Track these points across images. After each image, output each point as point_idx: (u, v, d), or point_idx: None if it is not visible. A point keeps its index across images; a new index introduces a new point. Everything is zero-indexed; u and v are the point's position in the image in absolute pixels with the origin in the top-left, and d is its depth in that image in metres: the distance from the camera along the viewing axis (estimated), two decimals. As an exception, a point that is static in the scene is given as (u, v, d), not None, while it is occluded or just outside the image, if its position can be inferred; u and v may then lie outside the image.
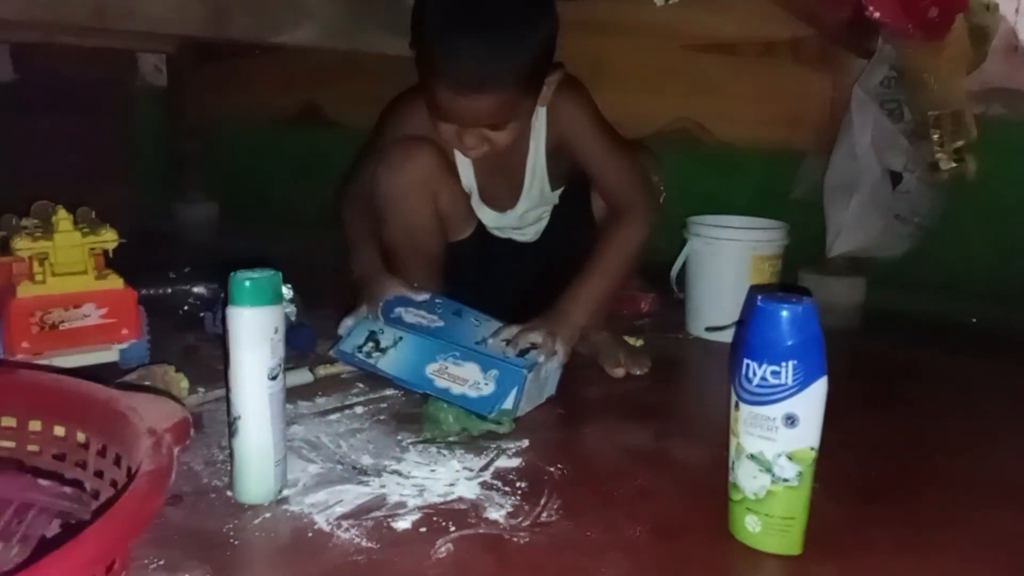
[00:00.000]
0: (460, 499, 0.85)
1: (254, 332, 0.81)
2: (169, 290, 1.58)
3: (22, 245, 1.10)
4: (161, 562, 0.71)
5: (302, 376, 1.17)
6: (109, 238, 1.14)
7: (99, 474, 0.71)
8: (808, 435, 0.75)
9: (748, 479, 0.77)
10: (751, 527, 0.77)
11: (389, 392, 1.15)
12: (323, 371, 1.19)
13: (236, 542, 0.76)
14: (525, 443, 1.00)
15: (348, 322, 1.20)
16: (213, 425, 1.01)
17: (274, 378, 0.82)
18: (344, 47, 1.75)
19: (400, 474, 0.91)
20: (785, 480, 0.75)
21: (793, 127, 1.74)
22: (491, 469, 0.93)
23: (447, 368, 1.09)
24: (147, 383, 1.05)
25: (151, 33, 1.67)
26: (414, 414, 1.07)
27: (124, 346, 1.17)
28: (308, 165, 2.28)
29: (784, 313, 0.74)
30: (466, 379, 1.07)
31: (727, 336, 1.33)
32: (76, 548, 0.48)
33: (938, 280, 1.69)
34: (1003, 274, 1.68)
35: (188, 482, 0.87)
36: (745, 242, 1.45)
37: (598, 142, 1.26)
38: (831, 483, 0.86)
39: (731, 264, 1.44)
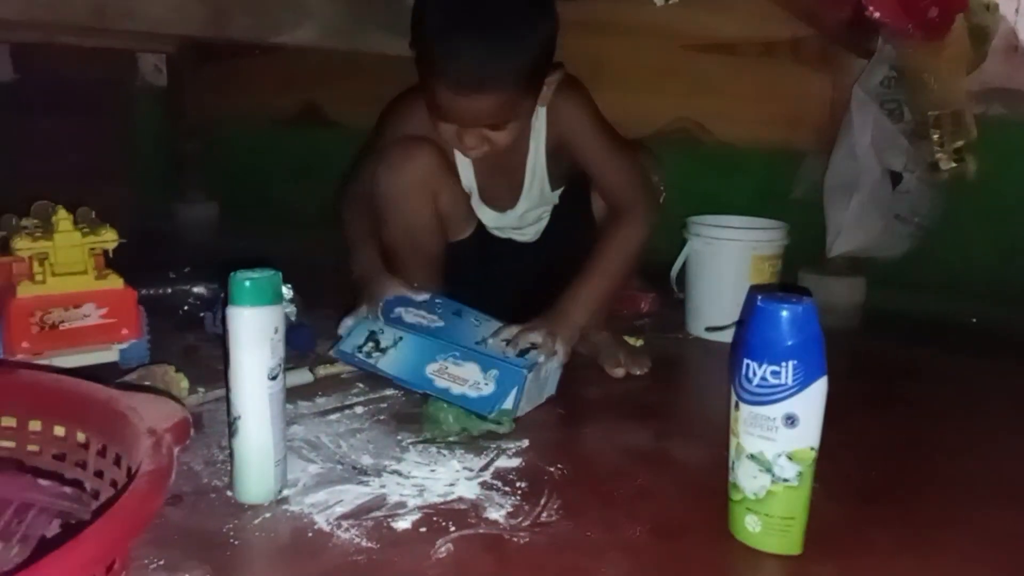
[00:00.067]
0: (460, 499, 0.85)
1: (254, 332, 0.81)
2: (169, 290, 1.58)
3: (22, 245, 1.10)
4: (161, 562, 0.72)
5: (302, 376, 1.17)
6: (109, 238, 1.14)
7: (99, 474, 0.71)
8: (808, 435, 0.75)
9: (748, 479, 0.77)
10: (751, 527, 0.77)
11: (389, 392, 1.15)
12: (323, 371, 1.19)
13: (236, 542, 0.76)
14: (525, 443, 1.00)
15: (348, 322, 1.20)
16: (213, 425, 1.01)
17: (274, 378, 0.82)
18: (344, 47, 1.75)
19: (400, 474, 0.91)
20: (785, 480, 0.75)
21: (793, 127, 1.74)
22: (491, 469, 0.93)
23: (447, 368, 1.09)
24: (147, 383, 1.05)
25: (151, 33, 1.67)
26: (414, 414, 1.07)
27: (124, 346, 1.17)
28: (308, 165, 2.29)
29: (784, 313, 0.74)
30: (466, 379, 1.07)
31: (727, 336, 1.33)
32: (76, 548, 0.48)
33: (938, 280, 1.69)
34: (1003, 274, 1.68)
35: (188, 482, 0.87)
36: (745, 242, 1.45)
37: (598, 142, 1.26)
38: (831, 483, 0.87)
39: (731, 264, 1.44)
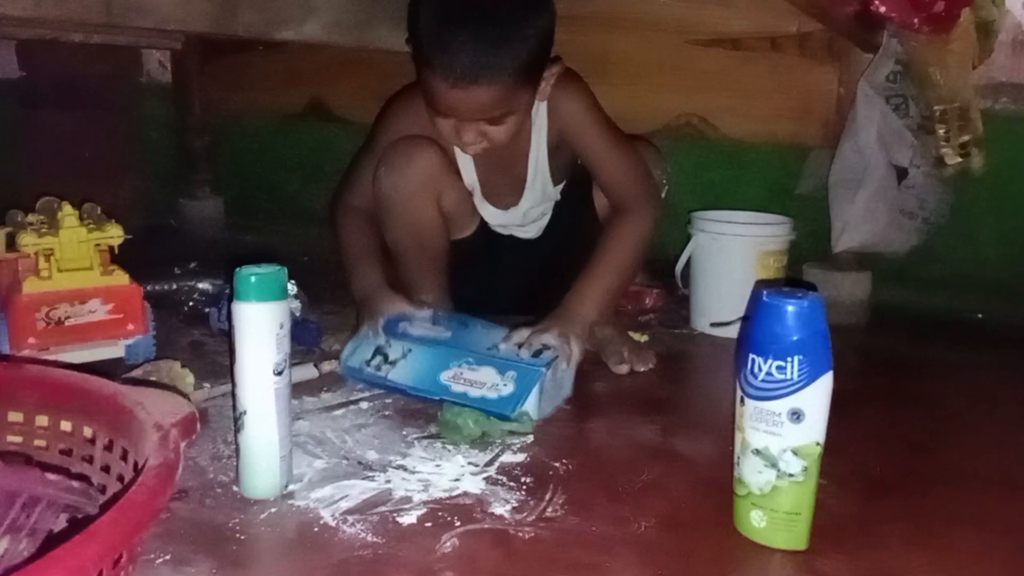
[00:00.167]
0: (465, 494, 0.85)
1: (259, 328, 0.81)
2: (175, 286, 1.59)
3: (28, 241, 1.10)
4: (167, 556, 0.72)
5: (307, 372, 1.17)
6: (115, 234, 1.15)
7: (106, 469, 0.71)
8: (813, 430, 0.75)
9: (753, 474, 0.77)
10: (756, 522, 0.77)
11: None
12: (328, 367, 1.19)
13: (242, 537, 0.76)
14: (530, 438, 1.00)
15: (350, 345, 1.18)
16: (219, 420, 1.02)
17: (279, 373, 0.82)
18: (350, 43, 1.75)
19: (405, 469, 0.91)
20: (790, 475, 0.75)
21: (799, 122, 1.74)
22: (496, 464, 0.93)
23: (462, 373, 1.08)
24: (153, 378, 1.05)
25: (158, 29, 1.67)
26: (419, 410, 1.07)
27: (130, 342, 1.17)
28: (314, 161, 2.29)
29: (789, 308, 0.74)
30: (484, 382, 1.06)
31: (732, 331, 1.33)
32: (84, 543, 0.48)
33: (944, 275, 1.69)
34: (1010, 270, 1.67)
35: (194, 477, 0.87)
36: (750, 237, 1.45)
37: (598, 136, 1.26)
38: (837, 478, 0.87)
39: (737, 259, 1.44)
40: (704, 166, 1.86)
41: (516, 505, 0.83)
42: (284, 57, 2.21)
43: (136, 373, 1.07)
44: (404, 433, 1.00)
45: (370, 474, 0.89)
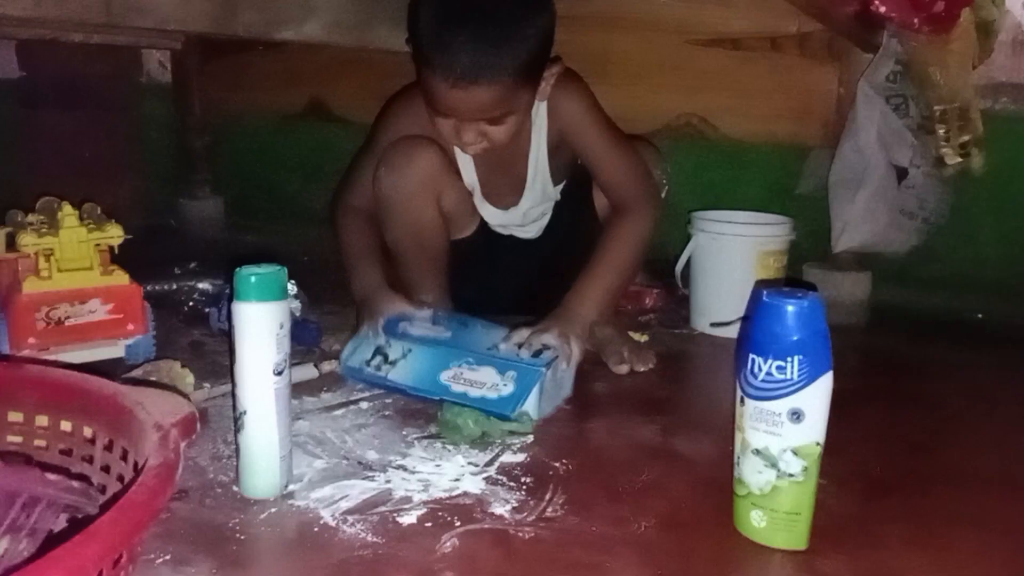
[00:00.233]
0: (465, 494, 0.85)
1: (259, 328, 0.81)
2: (175, 286, 1.58)
3: (28, 241, 1.10)
4: (167, 556, 0.72)
5: (307, 372, 1.17)
6: (114, 234, 1.15)
7: (106, 469, 0.71)
8: (813, 430, 0.75)
9: (753, 474, 0.77)
10: (756, 522, 0.77)
11: (394, 387, 1.15)
12: (328, 367, 1.19)
13: (242, 537, 0.76)
14: (530, 438, 1.00)
15: (350, 345, 1.19)
16: (219, 420, 1.02)
17: (279, 373, 0.82)
18: (350, 43, 1.75)
19: (405, 469, 0.91)
20: (790, 475, 0.75)
21: (799, 122, 1.74)
22: (496, 464, 0.93)
23: (462, 373, 1.08)
24: (153, 378, 1.05)
25: (158, 29, 1.68)
26: (419, 410, 1.07)
27: (130, 342, 1.17)
28: (314, 161, 2.29)
29: (789, 308, 0.74)
30: (484, 382, 1.06)
31: (732, 331, 1.33)
32: (85, 543, 0.48)
33: (944, 275, 1.69)
34: (1010, 270, 1.67)
35: (194, 477, 0.87)
36: (750, 237, 1.45)
37: (598, 136, 1.26)
38: (838, 478, 0.87)
39: (736, 259, 1.44)
40: (704, 166, 1.86)
41: (516, 505, 0.83)
42: (284, 57, 2.21)
43: (136, 373, 1.07)
44: (404, 433, 1.00)
45: (370, 474, 0.89)
